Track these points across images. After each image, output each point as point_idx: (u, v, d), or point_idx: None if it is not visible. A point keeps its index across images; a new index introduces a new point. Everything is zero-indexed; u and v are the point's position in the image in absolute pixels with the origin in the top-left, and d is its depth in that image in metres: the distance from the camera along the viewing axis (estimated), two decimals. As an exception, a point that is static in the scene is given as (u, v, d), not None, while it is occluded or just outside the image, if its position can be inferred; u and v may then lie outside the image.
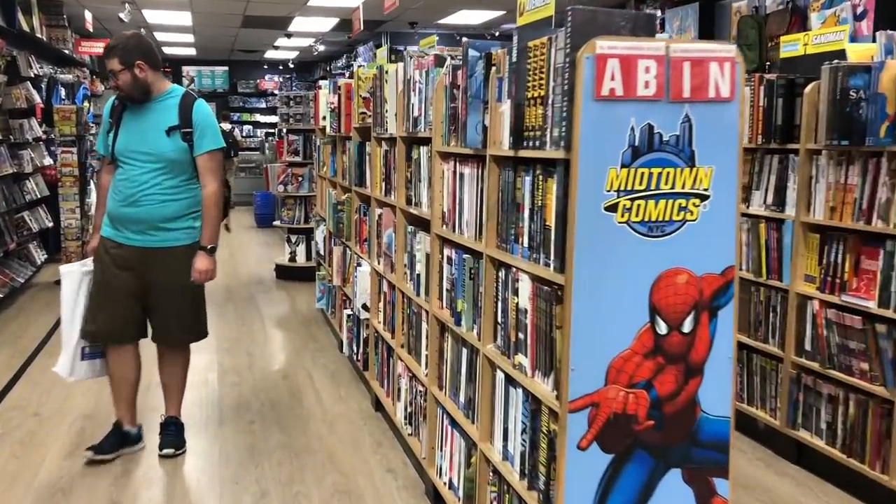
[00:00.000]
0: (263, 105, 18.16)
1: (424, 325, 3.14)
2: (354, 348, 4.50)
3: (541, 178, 2.06)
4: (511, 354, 2.25)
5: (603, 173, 1.84)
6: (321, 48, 13.52)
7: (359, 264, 4.26)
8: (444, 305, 2.88)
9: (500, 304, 2.35)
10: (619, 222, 1.86)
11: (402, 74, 3.38)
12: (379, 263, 3.93)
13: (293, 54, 16.01)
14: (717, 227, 1.94)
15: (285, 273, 7.69)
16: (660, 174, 1.88)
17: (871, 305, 3.00)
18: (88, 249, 3.49)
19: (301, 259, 7.66)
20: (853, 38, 4.42)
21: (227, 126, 13.80)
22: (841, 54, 3.47)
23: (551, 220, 2.00)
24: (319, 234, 6.02)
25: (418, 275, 3.19)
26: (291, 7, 9.76)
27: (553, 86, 1.95)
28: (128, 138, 3.26)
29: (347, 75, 13.91)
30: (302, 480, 3.29)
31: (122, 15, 9.62)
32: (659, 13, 8.31)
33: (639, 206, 1.87)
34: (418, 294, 3.19)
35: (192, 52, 15.85)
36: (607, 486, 1.94)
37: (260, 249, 9.50)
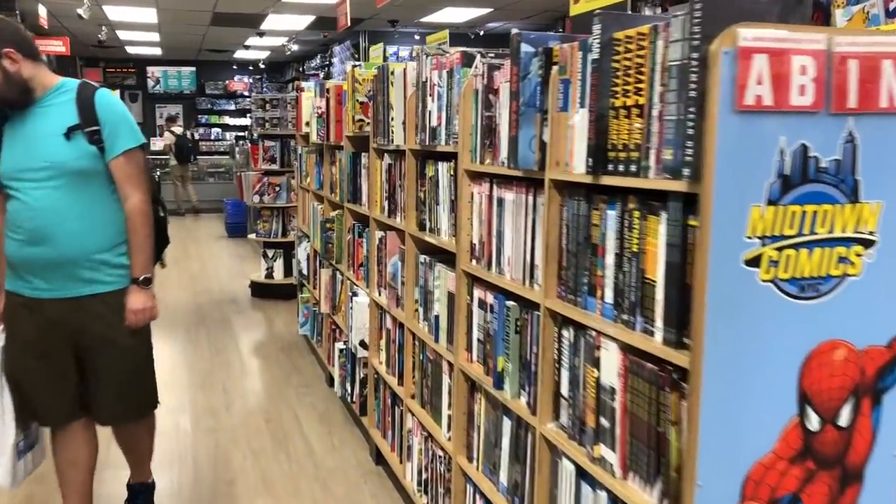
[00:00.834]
0: (233, 107, 17.44)
1: (446, 379, 2.60)
2: (348, 388, 3.94)
3: (636, 214, 1.54)
4: (586, 442, 1.72)
5: (743, 213, 1.32)
6: (295, 48, 12.89)
7: (354, 293, 3.70)
8: (476, 359, 2.35)
9: (564, 372, 1.82)
10: (763, 280, 1.34)
11: (412, 76, 2.84)
12: (380, 295, 3.38)
13: (264, 54, 15.35)
14: (884, 283, 1.43)
15: (262, 291, 7.09)
16: (815, 214, 1.37)
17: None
18: None
19: (279, 275, 7.07)
20: None
21: (178, 129, 13.07)
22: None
23: (656, 274, 1.48)
24: (302, 252, 5.45)
25: (436, 316, 2.65)
26: (265, 4, 9.16)
27: (660, 91, 1.43)
28: (14, 155, 2.44)
29: (322, 76, 13.32)
30: (297, 564, 2.73)
31: (80, 11, 8.93)
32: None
33: (788, 257, 1.35)
34: (437, 339, 2.65)
35: (157, 51, 15.11)
36: None
37: (232, 263, 8.88)
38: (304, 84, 5.58)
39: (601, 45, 1.58)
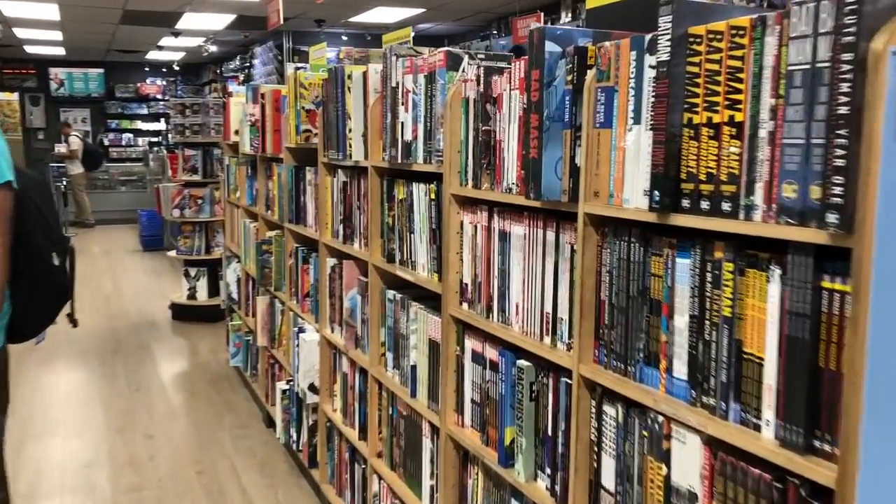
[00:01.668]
0: (145, 111, 16.46)
1: (427, 443, 2.18)
2: (293, 434, 3.47)
3: (728, 267, 1.16)
4: (647, 555, 1.34)
5: (910, 275, 0.95)
6: (213, 49, 12.18)
7: (300, 329, 3.24)
8: (470, 424, 1.94)
9: (608, 459, 1.43)
10: (932, 366, 0.98)
11: (375, 80, 2.42)
12: (334, 332, 2.93)
13: (179, 55, 14.50)
14: None
15: (183, 313, 6.49)
16: None
17: None
18: None
19: (202, 296, 6.48)
20: None
21: (75, 139, 12.14)
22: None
23: (763, 350, 1.10)
24: (232, 275, 4.92)
25: (413, 367, 2.23)
26: (181, 1, 8.51)
27: (772, 104, 1.06)
28: None
29: (242, 78, 12.64)
30: None
31: (-28, 6, 8.10)
32: None
33: (959, 332, 1.00)
34: (414, 394, 2.23)
35: (60, 51, 14.08)
36: None
37: (149, 280, 8.19)
38: (232, 88, 5.05)
39: (673, 42, 1.20)
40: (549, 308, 1.60)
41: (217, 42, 11.89)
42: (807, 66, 1.00)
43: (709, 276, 1.20)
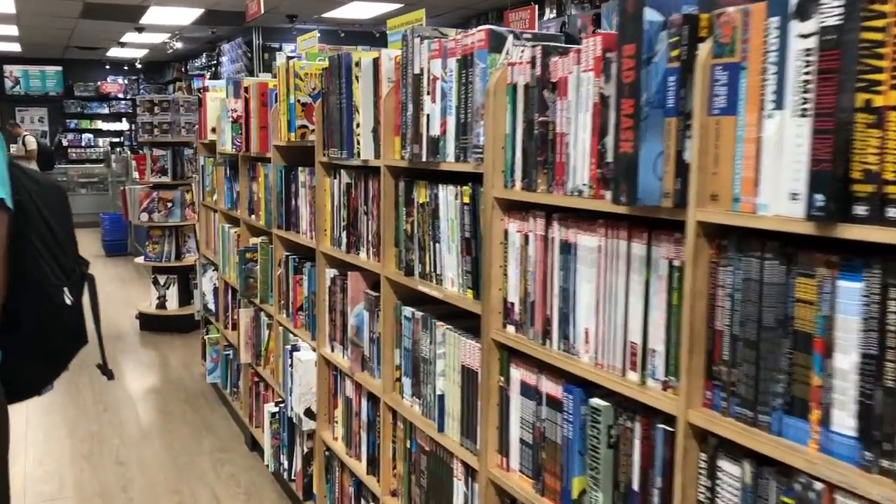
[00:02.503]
0: (107, 110, 15.89)
1: (460, 486, 1.88)
2: (285, 462, 3.14)
3: (929, 294, 0.88)
4: None
5: None
6: (178, 45, 11.72)
7: (294, 347, 2.91)
8: (519, 468, 1.65)
9: (726, 526, 1.15)
10: None
11: (389, 67, 2.12)
12: (335, 351, 2.62)
13: (142, 52, 13.99)
14: None
15: (152, 323, 6.10)
16: None
17: None
18: None
19: (172, 305, 6.10)
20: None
21: (32, 140, 11.56)
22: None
23: None
24: (208, 284, 4.56)
25: (441, 396, 1.93)
26: (145, -7, 8.10)
27: None
28: None
29: (208, 76, 12.18)
30: None
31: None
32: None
33: None
34: (442, 429, 1.93)
35: (15, 47, 13.47)
36: None
37: (114, 288, 7.75)
38: (210, 83, 4.70)
39: (847, 1, 0.92)
40: (635, 337, 1.31)
41: (183, 38, 11.45)
42: None
43: (893, 306, 0.92)
